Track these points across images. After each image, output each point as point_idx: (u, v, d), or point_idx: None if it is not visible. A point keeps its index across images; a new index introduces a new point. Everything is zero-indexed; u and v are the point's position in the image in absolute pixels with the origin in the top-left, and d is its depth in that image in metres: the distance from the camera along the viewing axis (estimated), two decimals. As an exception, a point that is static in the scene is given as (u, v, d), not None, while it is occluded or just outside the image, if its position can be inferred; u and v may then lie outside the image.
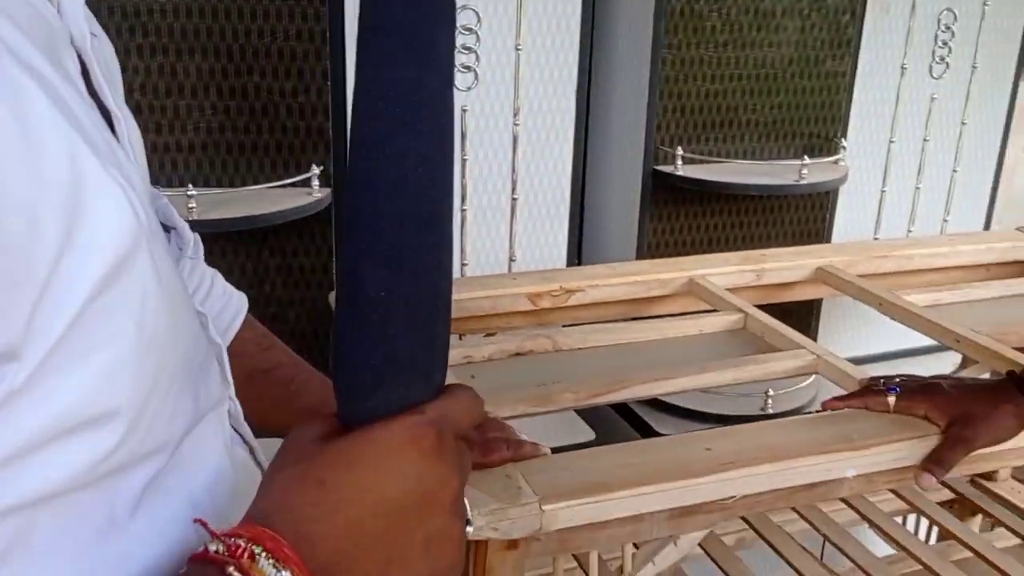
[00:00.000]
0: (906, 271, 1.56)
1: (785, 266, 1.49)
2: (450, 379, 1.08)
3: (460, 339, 1.26)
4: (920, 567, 1.47)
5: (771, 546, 1.49)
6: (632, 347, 1.24)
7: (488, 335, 1.32)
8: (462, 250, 1.65)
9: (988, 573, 1.46)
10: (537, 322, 1.36)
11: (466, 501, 0.44)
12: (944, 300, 1.40)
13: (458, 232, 1.62)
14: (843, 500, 1.64)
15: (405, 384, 0.43)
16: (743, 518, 1.56)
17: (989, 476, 1.81)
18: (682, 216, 1.77)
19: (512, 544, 0.84)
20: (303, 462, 0.41)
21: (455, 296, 0.47)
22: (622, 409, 1.85)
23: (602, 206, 1.84)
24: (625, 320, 1.31)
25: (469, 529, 0.45)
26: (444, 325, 0.44)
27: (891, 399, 0.98)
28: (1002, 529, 1.68)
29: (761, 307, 1.37)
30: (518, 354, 1.19)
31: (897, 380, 1.00)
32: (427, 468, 0.41)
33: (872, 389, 1.00)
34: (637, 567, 0.92)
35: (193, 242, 0.64)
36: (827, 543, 1.50)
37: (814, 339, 1.97)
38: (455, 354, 1.17)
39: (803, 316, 1.95)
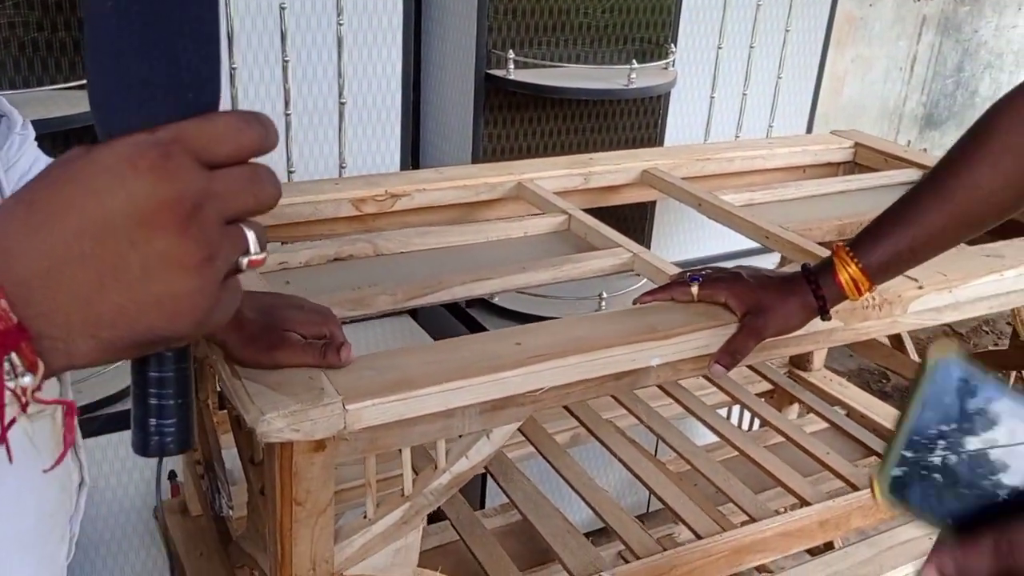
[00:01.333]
0: (728, 173, 1.61)
1: (611, 169, 1.51)
2: (263, 287, 1.04)
3: (281, 245, 1.22)
4: (737, 453, 1.56)
5: (601, 441, 1.55)
6: (455, 251, 1.23)
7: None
8: (288, 157, 1.59)
9: (797, 454, 1.57)
10: (363, 229, 1.33)
11: (248, 233, 0.42)
12: (758, 200, 1.46)
13: (283, 138, 1.55)
14: (670, 395, 1.72)
15: (141, 105, 0.41)
16: (574, 415, 1.61)
17: (804, 366, 1.94)
18: (516, 121, 1.76)
19: (319, 446, 0.84)
20: (25, 187, 0.40)
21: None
22: (461, 315, 1.86)
23: (436, 111, 1.81)
24: (449, 224, 1.30)
25: (244, 260, 0.43)
26: (194, 44, 0.42)
27: (694, 289, 1.01)
28: (813, 415, 1.80)
29: (592, 211, 1.38)
30: (337, 259, 1.16)
31: (702, 272, 1.04)
32: (141, 187, 0.39)
33: (677, 281, 1.04)
34: (451, 462, 0.93)
35: (23, 123, 0.65)
36: (659, 439, 1.56)
37: (647, 243, 2.03)
38: (271, 260, 1.13)
39: (636, 221, 2.00)
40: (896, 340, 1.75)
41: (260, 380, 0.82)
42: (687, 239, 2.06)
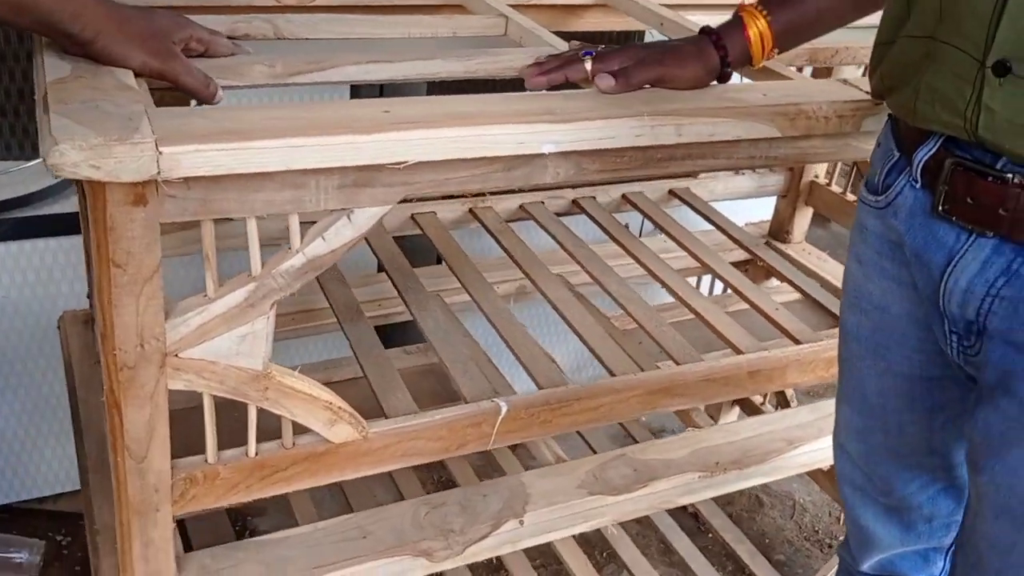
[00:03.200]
0: (709, 3, 1.45)
1: (572, -15, 1.36)
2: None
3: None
4: (691, 316, 1.44)
5: (545, 296, 1.43)
6: (371, 43, 1.11)
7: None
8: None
9: (757, 321, 1.45)
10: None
11: None
12: (729, 25, 1.31)
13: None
14: (631, 254, 1.59)
15: None
16: (520, 267, 1.48)
17: (782, 238, 1.81)
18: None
19: (138, 198, 0.73)
20: None
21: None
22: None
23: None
24: (365, 12, 1.17)
25: None
26: None
27: (587, 64, 0.91)
28: (786, 285, 1.68)
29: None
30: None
31: (598, 48, 0.96)
32: None
33: (569, 57, 0.93)
34: (306, 242, 0.83)
35: None
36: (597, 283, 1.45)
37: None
38: (149, 28, 1.01)
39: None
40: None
41: (71, 117, 0.71)
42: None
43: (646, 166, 0.92)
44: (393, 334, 1.77)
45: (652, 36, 1.48)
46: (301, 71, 0.95)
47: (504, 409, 1.02)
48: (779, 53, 0.97)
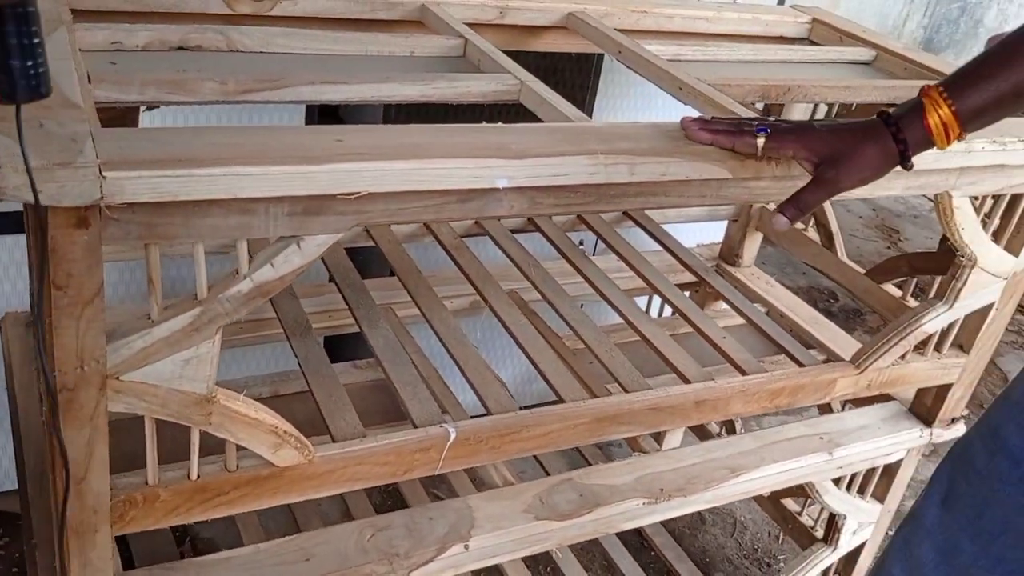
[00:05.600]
0: (664, 31, 1.47)
1: (533, 7, 1.36)
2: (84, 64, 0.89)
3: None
4: (638, 338, 1.45)
5: (497, 316, 1.43)
6: (325, 60, 1.10)
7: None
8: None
9: (703, 346, 1.47)
10: (238, 33, 1.19)
11: None
12: (686, 56, 1.32)
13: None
14: (583, 274, 1.60)
15: None
16: (472, 283, 1.48)
17: (732, 261, 1.83)
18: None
19: (81, 221, 0.72)
20: None
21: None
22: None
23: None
24: (323, 26, 1.15)
25: None
26: None
27: (760, 140, 0.90)
28: (733, 312, 1.70)
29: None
30: (182, 48, 1.02)
31: (770, 120, 0.93)
32: None
33: (743, 128, 0.91)
34: (254, 268, 0.82)
35: None
36: (550, 304, 1.45)
37: (589, 114, 1.89)
38: (101, 38, 0.99)
39: (578, 91, 1.85)
40: (827, 237, 1.63)
41: (13, 135, 0.69)
42: (634, 114, 1.92)
43: (599, 201, 0.92)
44: (344, 345, 1.76)
45: (610, 60, 1.49)
46: (253, 89, 0.94)
47: (452, 435, 1.02)
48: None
